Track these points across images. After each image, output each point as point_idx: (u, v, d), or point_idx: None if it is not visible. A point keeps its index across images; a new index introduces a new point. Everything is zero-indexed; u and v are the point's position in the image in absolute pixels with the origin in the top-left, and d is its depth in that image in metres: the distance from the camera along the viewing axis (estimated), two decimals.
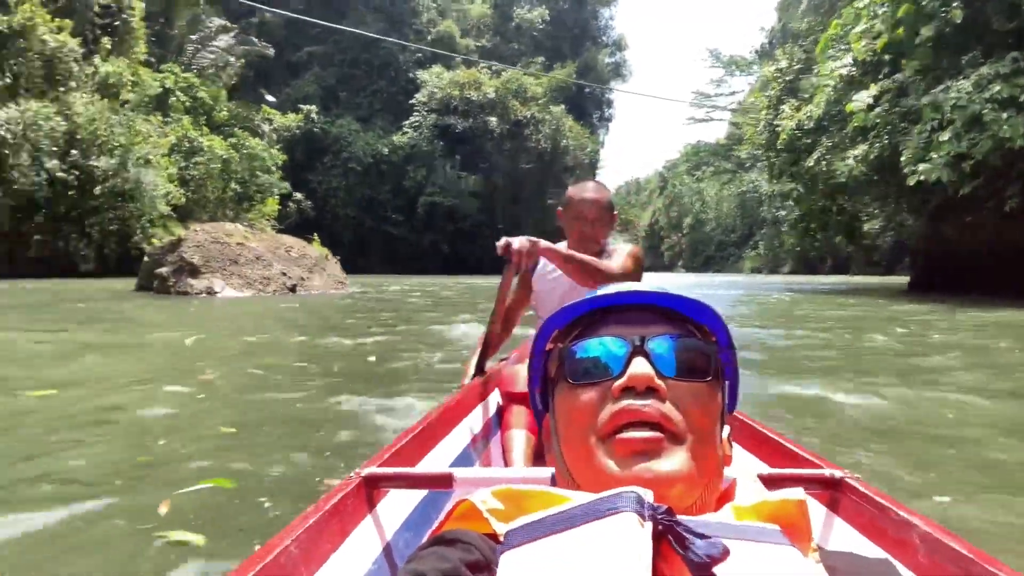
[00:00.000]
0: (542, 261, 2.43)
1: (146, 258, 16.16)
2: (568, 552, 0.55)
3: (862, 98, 14.23)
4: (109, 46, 32.16)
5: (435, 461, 1.65)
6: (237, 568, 0.79)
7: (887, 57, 14.74)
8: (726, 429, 0.75)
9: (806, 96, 18.03)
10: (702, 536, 0.54)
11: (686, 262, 77.46)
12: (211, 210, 33.72)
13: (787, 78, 19.35)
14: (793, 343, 7.09)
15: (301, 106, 45.92)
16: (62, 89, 28.20)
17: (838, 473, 1.22)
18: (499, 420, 2.25)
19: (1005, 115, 11.29)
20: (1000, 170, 12.01)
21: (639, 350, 0.70)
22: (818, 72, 17.12)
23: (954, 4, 12.47)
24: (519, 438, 2.05)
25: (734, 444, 0.92)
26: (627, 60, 55.44)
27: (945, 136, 11.85)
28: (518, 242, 2.10)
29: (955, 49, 13.07)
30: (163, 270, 14.51)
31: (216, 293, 13.76)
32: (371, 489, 1.23)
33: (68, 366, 5.16)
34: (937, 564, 0.92)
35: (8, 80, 26.47)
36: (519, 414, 2.12)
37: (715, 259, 71.75)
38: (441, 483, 1.24)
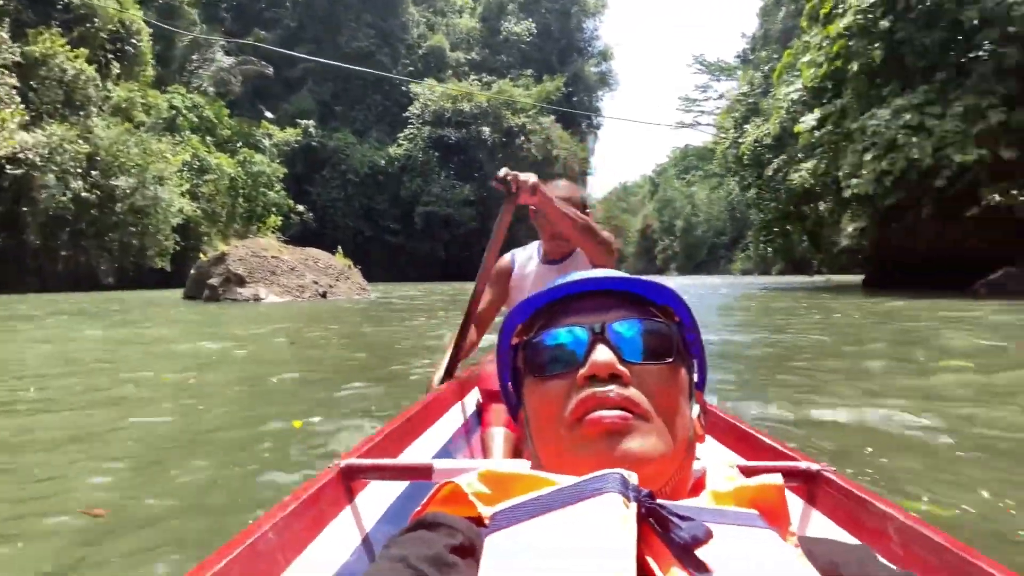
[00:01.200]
0: (517, 264, 2.58)
1: (193, 271, 18.94)
2: (553, 533, 0.56)
3: (808, 120, 17.25)
4: (118, 70, 34.91)
5: (414, 454, 1.67)
6: (213, 553, 0.81)
7: (829, 85, 17.76)
8: (695, 408, 0.78)
9: (766, 116, 21.09)
10: (684, 518, 0.56)
11: (679, 265, 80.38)
12: (222, 227, 36.58)
13: (750, 100, 22.45)
14: (732, 332, 9.98)
15: (299, 121, 48.73)
16: (82, 114, 30.87)
17: (814, 466, 1.25)
18: (479, 418, 2.30)
19: (915, 139, 14.30)
20: (916, 184, 14.98)
21: (600, 337, 0.71)
22: (774, 95, 20.20)
23: (875, 45, 15.49)
24: (498, 435, 2.10)
25: (709, 438, 0.98)
26: (613, 69, 58.65)
27: (869, 156, 14.86)
28: (524, 175, 2.13)
29: (882, 81, 16.09)
30: (213, 280, 17.29)
31: (261, 299, 16.54)
32: (350, 480, 1.25)
33: (237, 352, 7.96)
34: (913, 553, 0.96)
35: (32, 107, 29.14)
36: (499, 412, 2.16)
37: (707, 262, 74.85)
38: (420, 474, 1.27)
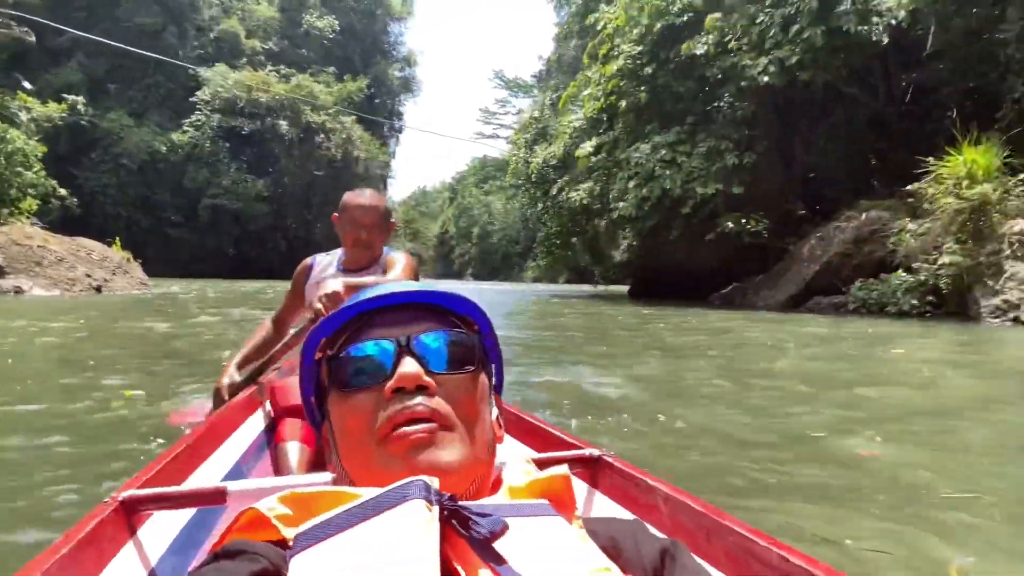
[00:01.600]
0: (316, 268, 2.59)
1: None
2: (359, 545, 0.57)
3: (586, 147, 19.52)
4: None
5: (202, 479, 1.62)
6: None
7: (605, 117, 20.21)
8: (494, 411, 0.81)
9: (552, 140, 23.38)
10: (483, 515, 0.59)
11: (475, 271, 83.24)
12: None
13: (539, 125, 24.75)
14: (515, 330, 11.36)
15: (65, 96, 43.87)
16: None
17: (596, 452, 1.39)
18: (269, 434, 2.24)
19: (668, 172, 16.92)
20: (668, 209, 17.68)
21: (406, 349, 0.73)
22: (559, 122, 22.50)
23: (641, 88, 18.04)
24: (293, 450, 2.06)
25: (506, 435, 1.03)
26: (416, 76, 59.73)
27: (632, 184, 17.30)
28: (333, 288, 2.13)
29: (646, 119, 18.72)
30: None
31: (24, 292, 15.26)
32: (131, 513, 1.19)
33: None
34: (678, 521, 1.09)
35: None
36: (292, 426, 2.13)
37: (502, 268, 78.42)
38: (213, 499, 1.22)
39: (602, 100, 19.43)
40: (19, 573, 0.85)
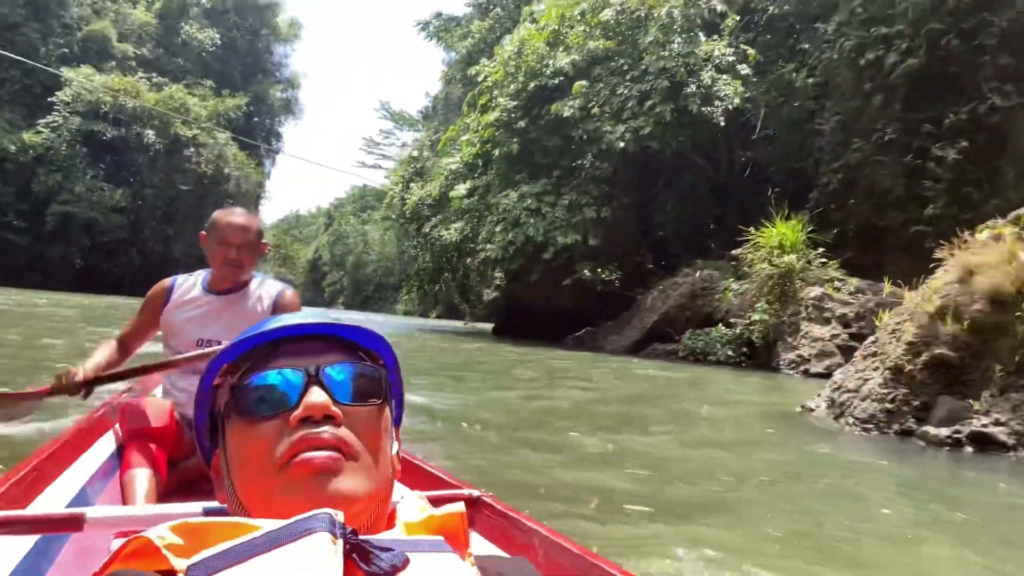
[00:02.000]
0: (177, 291, 2.44)
1: None
2: None
3: (460, 189, 20.70)
4: None
5: (47, 503, 1.56)
6: None
7: (480, 162, 21.53)
8: (395, 445, 0.82)
9: (429, 179, 24.48)
10: (384, 550, 0.60)
11: (347, 299, 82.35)
12: None
13: (417, 165, 25.83)
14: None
15: None
16: None
17: (476, 492, 1.41)
18: (118, 459, 2.13)
19: (533, 220, 18.37)
20: (531, 254, 19.11)
21: (314, 379, 0.74)
22: (437, 163, 23.66)
23: (514, 139, 19.51)
24: (143, 477, 1.96)
25: None
26: (299, 98, 59.23)
27: (499, 228, 18.61)
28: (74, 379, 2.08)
29: (518, 168, 20.19)
30: None
31: None
32: None
33: None
34: (555, 563, 1.11)
35: None
36: (144, 451, 2.04)
37: (374, 299, 78.09)
38: (67, 525, 1.16)
39: (478, 147, 20.76)
40: None
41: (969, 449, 4.90)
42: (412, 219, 24.28)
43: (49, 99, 44.83)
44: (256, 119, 56.17)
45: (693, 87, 16.95)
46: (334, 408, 0.73)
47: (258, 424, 0.74)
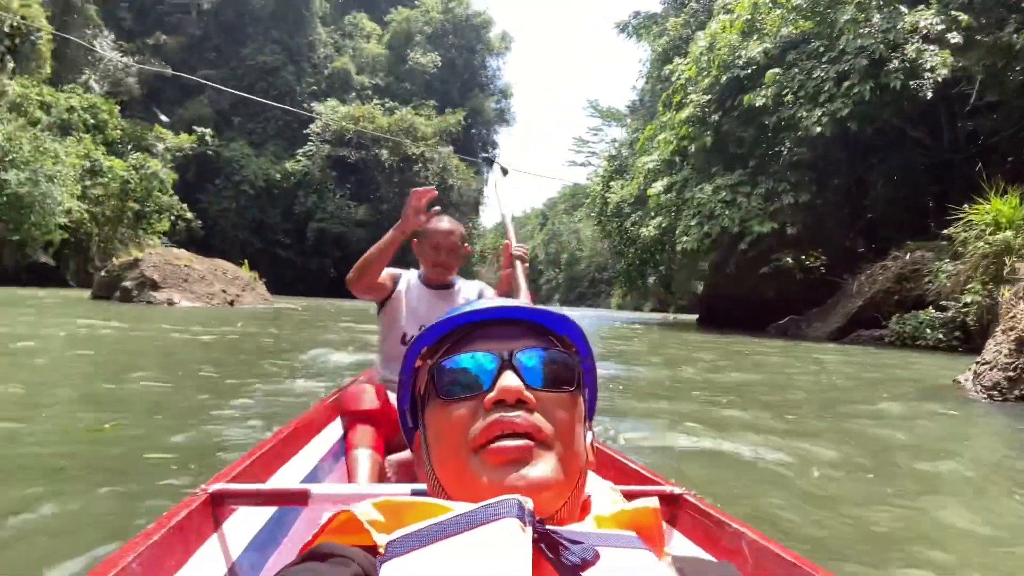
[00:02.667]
0: (403, 279, 2.78)
1: (103, 273, 20.87)
2: (450, 559, 0.58)
3: (657, 186, 21.69)
4: (12, 65, 35.51)
5: (283, 479, 1.72)
6: None
7: (677, 159, 22.33)
8: (589, 435, 0.82)
9: (630, 178, 25.67)
10: (574, 542, 0.60)
11: (562, 296, 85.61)
12: (109, 228, 37.47)
13: (616, 163, 27.12)
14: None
15: (195, 128, 49.79)
16: None
17: (677, 490, 1.36)
18: (343, 440, 2.34)
19: (728, 211, 18.86)
20: (727, 245, 19.58)
21: (508, 364, 0.76)
22: (636, 161, 24.79)
23: (708, 134, 20.10)
24: (364, 457, 2.16)
25: None
26: (512, 107, 63.19)
27: (693, 221, 19.34)
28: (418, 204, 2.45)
29: (713, 161, 20.73)
30: (127, 283, 19.38)
31: (175, 303, 18.85)
32: (217, 506, 1.26)
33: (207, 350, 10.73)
34: (765, 569, 1.04)
35: None
36: (363, 433, 2.25)
37: (588, 294, 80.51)
38: (295, 499, 1.29)
39: (675, 144, 21.60)
40: (116, 554, 0.95)
41: None
42: (612, 216, 25.72)
43: (304, 131, 52.76)
44: (474, 131, 60.92)
45: (896, 62, 16.42)
46: (527, 393, 0.74)
47: (453, 405, 0.77)
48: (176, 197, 41.56)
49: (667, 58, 26.14)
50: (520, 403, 0.74)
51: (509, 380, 0.74)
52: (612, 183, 26.73)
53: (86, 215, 35.34)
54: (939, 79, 16.15)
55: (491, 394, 0.74)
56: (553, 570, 0.60)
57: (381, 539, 0.64)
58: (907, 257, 16.55)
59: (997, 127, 18.14)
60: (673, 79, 22.52)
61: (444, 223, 2.73)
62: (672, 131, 22.23)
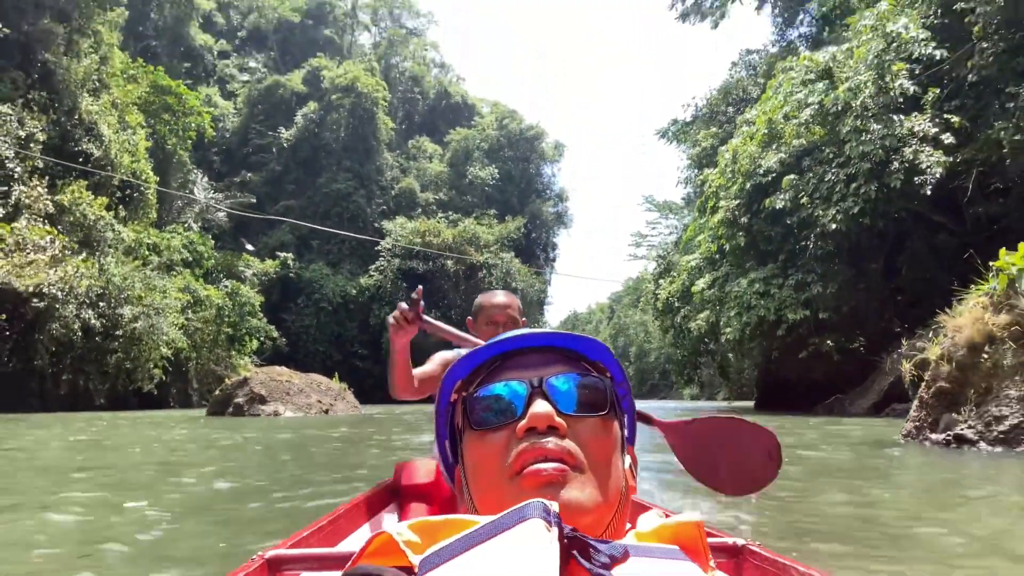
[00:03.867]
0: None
1: (217, 392, 24.64)
2: (478, 565, 0.60)
3: (699, 284, 24.41)
4: (124, 213, 41.42)
5: (341, 548, 1.76)
6: None
7: (717, 256, 25.07)
8: (627, 459, 0.84)
9: (677, 275, 28.51)
10: (604, 543, 0.63)
11: (634, 389, 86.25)
12: (206, 351, 42.16)
13: (664, 262, 30.16)
14: None
15: (278, 253, 55.44)
16: (98, 253, 36.90)
17: (740, 541, 1.38)
18: (398, 511, 2.45)
19: (763, 302, 21.35)
20: (765, 334, 21.90)
21: (538, 391, 0.78)
22: (680, 259, 27.71)
23: (740, 234, 22.88)
24: None
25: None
26: (568, 209, 67.46)
27: (732, 313, 21.86)
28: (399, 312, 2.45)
29: (747, 258, 23.40)
30: (239, 400, 22.99)
31: (280, 415, 22.25)
32: (274, 571, 1.31)
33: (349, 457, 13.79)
34: None
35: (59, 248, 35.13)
36: (417, 509, 2.36)
37: (660, 386, 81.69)
38: (346, 562, 1.31)
39: (713, 244, 24.43)
40: None
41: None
42: (663, 312, 28.45)
43: (376, 248, 57.82)
44: (534, 235, 65.10)
45: (896, 164, 19.04)
46: (557, 419, 0.77)
47: (488, 435, 0.80)
48: (265, 319, 46.46)
49: (701, 164, 29.42)
50: (551, 429, 0.77)
51: (539, 407, 0.77)
52: (661, 280, 29.65)
53: (186, 343, 40.03)
54: (936, 176, 18.64)
55: (522, 422, 0.78)
56: (584, 572, 0.62)
57: (416, 559, 0.67)
58: (930, 334, 18.58)
59: (1008, 210, 20.34)
60: (705, 188, 25.62)
61: (499, 297, 2.84)
62: (710, 231, 25.07)
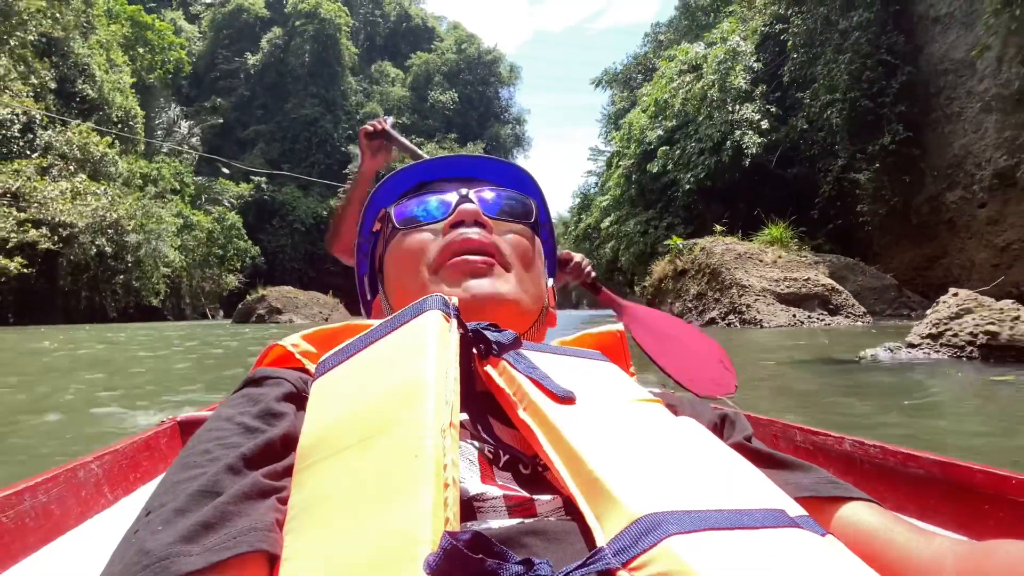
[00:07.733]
0: None
1: (240, 305, 35.45)
2: (376, 359, 0.64)
3: (607, 221, 35.45)
4: (119, 146, 50.71)
5: None
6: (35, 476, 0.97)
7: (620, 200, 36.01)
8: (549, 280, 0.91)
9: (591, 212, 39.55)
10: (499, 332, 0.66)
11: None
12: (198, 271, 52.52)
13: (584, 199, 41.24)
14: None
15: (252, 177, 64.99)
16: (105, 186, 46.45)
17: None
18: None
19: (643, 238, 32.50)
20: (646, 262, 33.16)
21: (465, 198, 0.86)
22: (596, 200, 38.73)
23: (632, 186, 33.75)
24: None
25: None
26: (527, 132, 77.30)
27: (621, 247, 33.06)
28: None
29: (636, 205, 34.36)
30: (261, 311, 33.82)
31: (293, 322, 33.15)
32: (186, 434, 1.38)
33: None
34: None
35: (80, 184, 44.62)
36: None
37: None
38: None
39: (617, 190, 35.35)
40: (81, 459, 1.06)
41: None
42: (581, 239, 39.55)
43: (344, 171, 67.21)
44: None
45: (728, 143, 29.82)
46: (484, 216, 0.84)
47: (413, 233, 0.86)
48: (249, 241, 56.51)
49: (617, 120, 39.94)
50: (478, 224, 0.83)
51: (467, 204, 0.85)
52: (582, 213, 40.69)
53: (184, 262, 50.20)
54: (754, 153, 29.48)
55: (450, 217, 0.84)
56: (504, 364, 0.66)
57: (313, 368, 0.71)
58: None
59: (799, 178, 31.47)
60: (613, 147, 36.28)
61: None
62: (615, 182, 35.91)
